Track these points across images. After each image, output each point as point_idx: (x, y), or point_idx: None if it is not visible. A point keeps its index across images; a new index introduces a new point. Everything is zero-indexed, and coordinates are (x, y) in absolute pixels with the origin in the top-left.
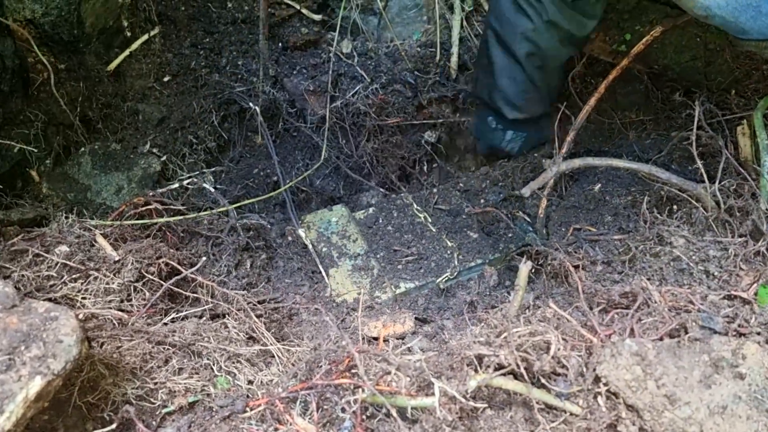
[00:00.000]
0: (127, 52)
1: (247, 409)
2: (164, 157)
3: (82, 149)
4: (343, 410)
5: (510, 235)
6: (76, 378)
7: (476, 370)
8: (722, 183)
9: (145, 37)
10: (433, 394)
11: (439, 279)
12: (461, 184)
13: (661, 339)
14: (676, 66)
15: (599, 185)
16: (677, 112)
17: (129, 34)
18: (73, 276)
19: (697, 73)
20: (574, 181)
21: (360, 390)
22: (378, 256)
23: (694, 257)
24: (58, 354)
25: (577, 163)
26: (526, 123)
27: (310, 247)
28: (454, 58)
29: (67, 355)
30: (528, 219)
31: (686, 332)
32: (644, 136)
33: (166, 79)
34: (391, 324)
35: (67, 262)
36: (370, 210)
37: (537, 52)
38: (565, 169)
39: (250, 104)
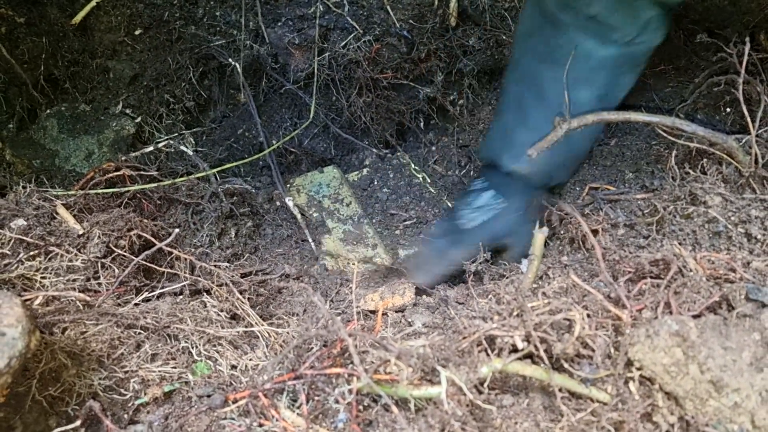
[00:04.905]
0: (93, 3)
1: (229, 403)
2: (139, 119)
3: (48, 111)
4: (337, 401)
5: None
6: (35, 369)
7: (488, 354)
8: (759, 133)
9: None
10: (439, 381)
11: None
12: (461, 141)
13: (699, 315)
14: (699, 5)
15: (615, 139)
16: (701, 56)
17: None
18: (31, 253)
19: (723, 11)
20: None
21: (355, 378)
22: (374, 220)
23: (732, 218)
24: (0, 349)
25: (590, 118)
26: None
27: (298, 216)
28: (453, 3)
29: (11, 350)
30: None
31: (730, 306)
32: (663, 85)
33: (137, 32)
34: (390, 296)
35: (24, 238)
36: (365, 171)
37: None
38: (576, 126)
39: (230, 60)
